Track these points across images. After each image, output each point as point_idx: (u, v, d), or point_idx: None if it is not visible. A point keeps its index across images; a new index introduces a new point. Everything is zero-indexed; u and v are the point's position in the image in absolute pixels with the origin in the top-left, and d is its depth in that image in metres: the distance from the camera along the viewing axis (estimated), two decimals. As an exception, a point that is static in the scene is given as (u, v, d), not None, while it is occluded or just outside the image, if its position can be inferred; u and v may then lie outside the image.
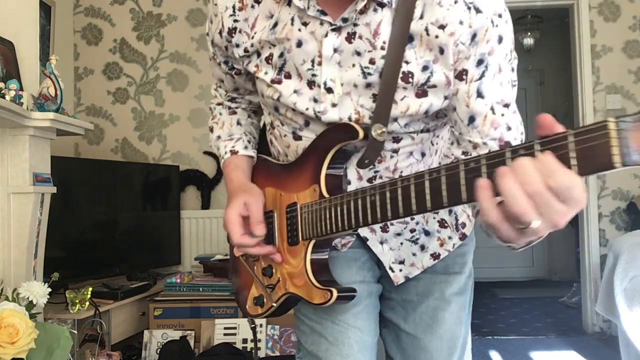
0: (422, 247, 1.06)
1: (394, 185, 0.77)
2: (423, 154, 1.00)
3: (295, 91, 0.95)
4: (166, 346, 2.70)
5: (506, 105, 0.89)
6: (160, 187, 3.59)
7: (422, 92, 0.90)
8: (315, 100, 0.94)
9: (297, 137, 1.00)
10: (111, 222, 3.22)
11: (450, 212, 1.07)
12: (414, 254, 1.06)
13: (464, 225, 1.09)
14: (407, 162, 0.98)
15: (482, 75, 0.87)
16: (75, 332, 2.24)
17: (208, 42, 1.07)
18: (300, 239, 0.96)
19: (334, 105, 0.93)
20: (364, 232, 1.04)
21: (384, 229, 1.04)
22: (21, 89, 2.02)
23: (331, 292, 0.91)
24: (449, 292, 1.09)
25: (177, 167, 3.66)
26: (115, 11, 3.81)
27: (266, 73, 0.97)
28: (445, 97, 0.90)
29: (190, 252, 3.65)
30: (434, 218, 1.06)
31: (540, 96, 6.08)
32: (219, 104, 1.19)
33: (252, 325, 1.24)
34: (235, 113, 1.17)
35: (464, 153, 0.91)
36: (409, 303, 1.09)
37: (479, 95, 0.88)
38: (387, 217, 0.79)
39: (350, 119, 0.93)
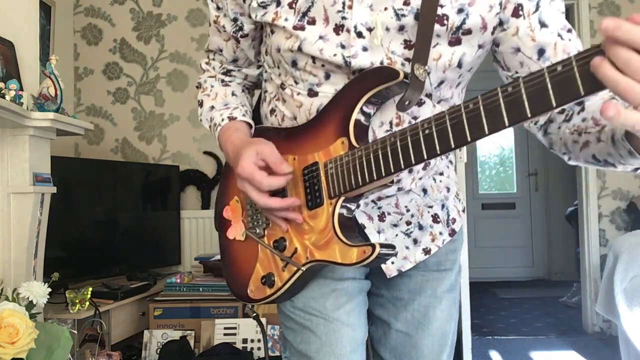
0: (415, 241, 1.05)
1: (455, 112, 0.74)
2: None
3: (320, 37, 0.91)
4: (166, 346, 2.70)
5: (569, 31, 0.89)
6: (160, 187, 3.59)
7: (455, 40, 0.89)
8: (343, 47, 0.90)
9: (313, 94, 0.96)
10: (111, 222, 3.22)
11: (442, 206, 1.07)
12: (407, 247, 1.05)
13: (454, 220, 1.09)
14: None
15: (537, 6, 0.87)
16: (75, 332, 2.24)
17: (211, 5, 1.05)
18: (326, 198, 0.91)
19: (365, 49, 0.90)
20: (361, 219, 1.02)
21: (381, 218, 1.03)
22: (21, 89, 2.02)
23: (373, 246, 0.85)
24: (440, 289, 1.08)
25: (177, 167, 3.66)
26: (115, 11, 3.81)
27: (286, 20, 0.92)
28: (480, 46, 0.90)
29: (190, 252, 3.65)
30: (428, 212, 1.05)
31: (540, 96, 6.07)
32: (211, 77, 1.14)
33: (254, 314, 1.11)
34: (228, 86, 1.13)
35: None
36: (400, 300, 1.08)
37: (543, 25, 0.87)
38: (436, 152, 0.77)
39: (382, 64, 0.90)
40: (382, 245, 0.85)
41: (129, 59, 3.80)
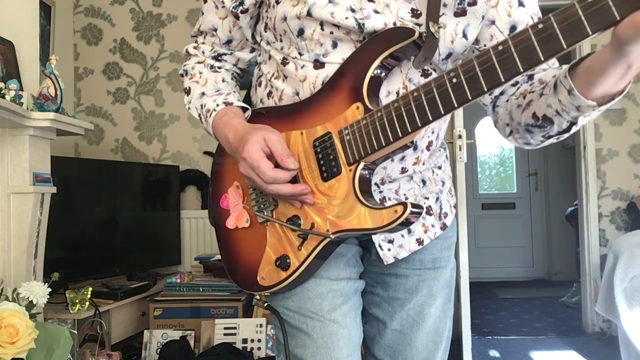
0: (409, 230, 1.05)
1: (468, 64, 0.77)
2: None
3: (330, 1, 0.91)
4: (166, 346, 2.70)
5: (539, 19, 0.92)
6: (160, 187, 3.59)
7: (461, 11, 0.91)
8: (353, 10, 0.90)
9: (319, 65, 0.95)
10: (111, 222, 3.22)
11: (437, 199, 1.07)
12: (402, 236, 1.04)
13: (445, 215, 1.09)
14: None
15: None
16: (75, 332, 2.24)
17: None
18: (344, 166, 0.90)
19: (376, 12, 0.90)
20: None
21: (381, 203, 1.02)
22: (21, 89, 2.02)
23: (404, 204, 0.84)
24: (436, 287, 1.08)
25: (177, 167, 3.66)
26: (115, 11, 3.81)
27: None
28: (482, 17, 0.93)
29: (190, 252, 3.65)
30: (424, 203, 1.05)
31: (540, 96, 6.07)
32: (199, 63, 1.11)
33: (265, 304, 1.03)
34: (218, 72, 1.10)
35: None
36: (396, 300, 1.08)
37: (520, 4, 0.94)
38: (453, 105, 0.79)
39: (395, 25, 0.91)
40: (413, 205, 0.84)
41: (129, 59, 3.80)
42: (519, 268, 6.03)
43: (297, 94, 0.98)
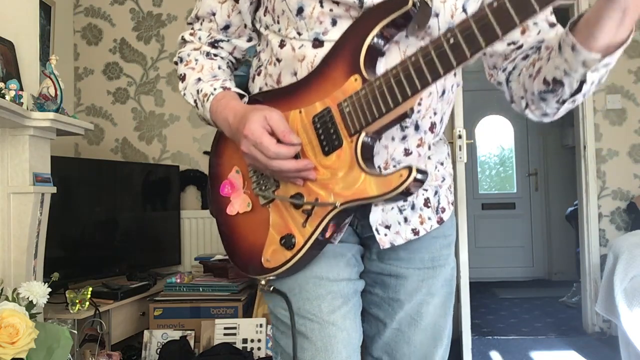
0: (405, 219, 1.04)
1: (464, 23, 0.78)
2: None
3: None
4: (166, 346, 2.70)
5: None
6: (160, 187, 3.59)
7: None
8: None
9: (318, 44, 0.95)
10: (111, 222, 3.22)
11: (435, 193, 1.07)
12: (399, 223, 1.04)
13: (443, 210, 1.09)
14: None
15: None
16: (75, 332, 2.24)
17: None
18: (345, 137, 0.90)
19: None
20: None
21: None
22: (21, 89, 2.02)
23: (409, 168, 0.84)
24: (435, 286, 1.08)
25: (177, 167, 3.66)
26: (115, 11, 3.81)
27: None
28: None
29: (190, 252, 3.65)
30: (422, 195, 1.05)
31: (540, 96, 6.07)
32: (195, 49, 1.10)
33: (271, 287, 0.99)
34: (214, 59, 1.09)
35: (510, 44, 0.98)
36: (396, 302, 1.08)
37: None
38: (452, 65, 0.80)
39: None
40: (417, 170, 0.84)
41: (129, 59, 3.80)
42: (519, 268, 6.04)
43: (295, 74, 0.98)
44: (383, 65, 0.92)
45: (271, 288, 1.00)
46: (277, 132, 0.91)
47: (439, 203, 1.08)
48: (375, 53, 0.91)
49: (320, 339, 0.97)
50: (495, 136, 6.32)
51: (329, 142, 0.92)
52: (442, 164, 1.09)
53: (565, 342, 3.62)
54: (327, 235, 0.94)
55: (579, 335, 3.76)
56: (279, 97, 0.98)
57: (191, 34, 1.12)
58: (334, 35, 0.94)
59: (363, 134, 0.89)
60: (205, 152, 3.70)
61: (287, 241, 0.94)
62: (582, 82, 0.84)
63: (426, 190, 1.06)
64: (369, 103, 0.87)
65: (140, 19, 3.81)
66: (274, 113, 0.92)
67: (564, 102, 0.91)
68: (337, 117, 0.91)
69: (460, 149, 3.10)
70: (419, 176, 0.84)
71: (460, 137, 3.10)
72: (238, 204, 1.03)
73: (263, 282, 1.00)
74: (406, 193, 0.85)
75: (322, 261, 0.99)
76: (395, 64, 0.85)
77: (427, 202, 1.06)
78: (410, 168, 0.84)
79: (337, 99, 0.91)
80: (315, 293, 0.99)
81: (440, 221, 1.08)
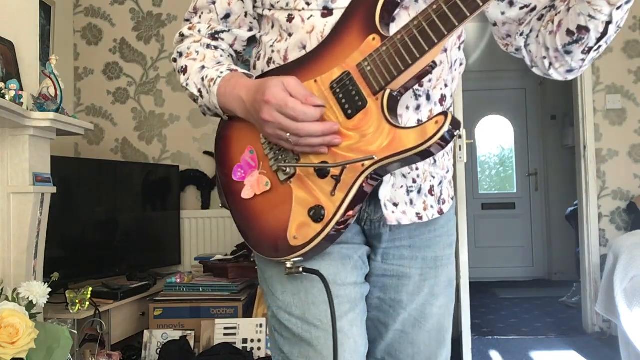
0: (411, 201, 1.03)
1: None
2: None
3: None
4: (166, 346, 2.70)
5: None
6: (160, 187, 3.59)
7: None
8: None
9: (328, 13, 0.94)
10: (111, 222, 3.22)
11: (440, 183, 1.07)
12: (405, 203, 1.02)
13: (444, 201, 1.08)
14: None
15: None
16: (75, 332, 2.24)
17: None
18: (370, 96, 0.88)
19: None
20: None
21: None
22: (21, 89, 2.02)
23: (445, 114, 0.82)
24: (438, 286, 1.08)
25: (177, 167, 3.66)
26: (115, 11, 3.81)
27: None
28: None
29: (190, 252, 3.65)
30: (430, 182, 1.05)
31: (540, 96, 6.07)
32: (195, 42, 1.07)
33: (299, 268, 0.92)
34: (215, 50, 1.07)
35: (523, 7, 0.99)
36: (399, 303, 1.07)
37: None
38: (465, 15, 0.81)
39: None
40: (453, 119, 0.82)
41: (129, 59, 3.80)
42: (519, 268, 6.03)
43: (304, 47, 0.96)
44: (392, 29, 0.92)
45: (300, 268, 0.91)
46: (298, 96, 0.88)
47: (441, 194, 1.08)
48: (390, 9, 0.90)
49: (326, 348, 0.93)
50: (495, 136, 6.32)
51: (351, 105, 0.89)
52: (447, 154, 1.09)
53: (565, 342, 3.62)
54: (359, 202, 0.90)
55: (579, 335, 3.76)
56: (289, 72, 0.95)
57: (190, 29, 1.09)
58: (343, 1, 0.93)
59: (388, 90, 0.87)
60: (206, 152, 3.71)
61: (316, 212, 0.89)
62: (608, 23, 0.86)
63: (434, 177, 1.05)
64: (392, 57, 0.86)
65: (140, 19, 3.81)
66: (291, 79, 0.90)
67: (589, 50, 0.92)
68: (357, 79, 0.89)
69: (460, 149, 3.10)
70: (451, 128, 0.81)
71: (460, 137, 3.10)
72: (254, 185, 0.98)
73: (289, 264, 0.92)
74: (441, 144, 0.83)
75: (328, 264, 0.96)
76: (416, 15, 0.85)
77: (432, 190, 1.06)
78: (446, 114, 0.82)
79: (355, 60, 0.90)
80: (321, 297, 0.94)
81: (441, 212, 1.08)
